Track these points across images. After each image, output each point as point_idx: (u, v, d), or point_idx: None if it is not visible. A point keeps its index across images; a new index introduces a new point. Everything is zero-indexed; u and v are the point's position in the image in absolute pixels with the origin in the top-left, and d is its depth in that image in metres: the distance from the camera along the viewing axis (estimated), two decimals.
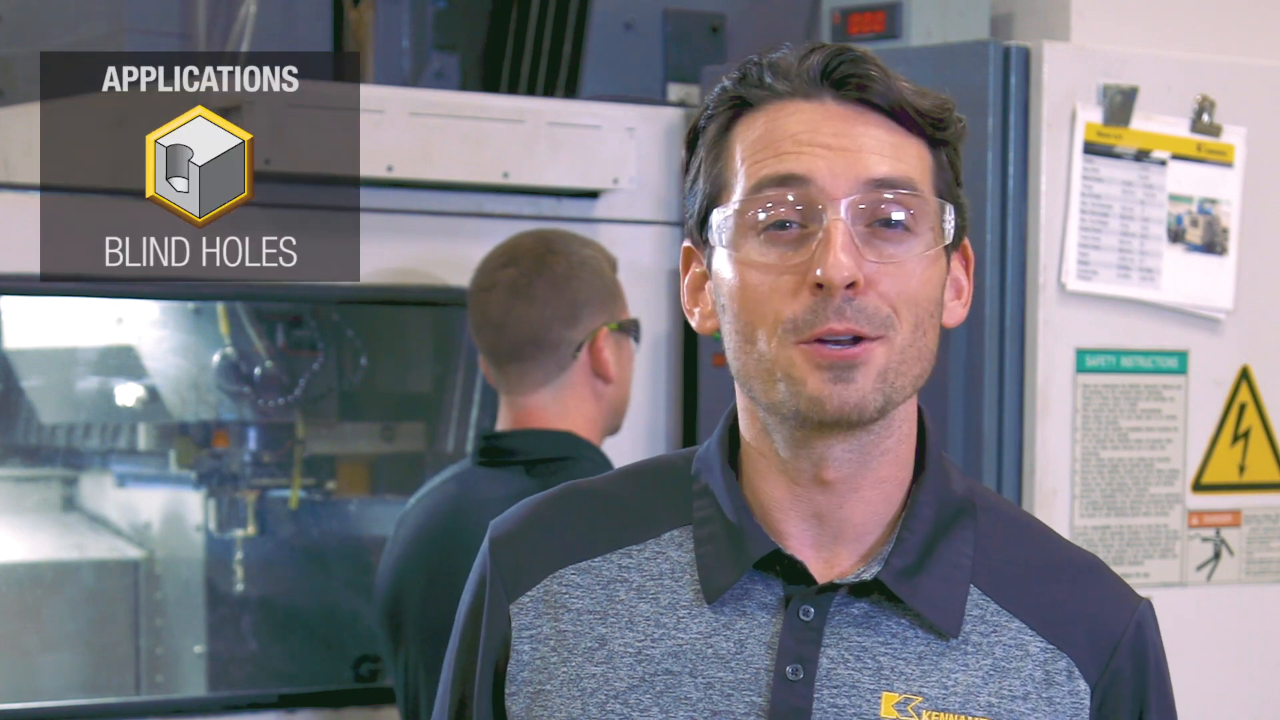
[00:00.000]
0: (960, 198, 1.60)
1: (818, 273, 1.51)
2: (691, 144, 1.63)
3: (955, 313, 1.63)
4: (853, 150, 1.54)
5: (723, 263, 1.58)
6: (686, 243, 1.65)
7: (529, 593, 1.64)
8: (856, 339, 1.53)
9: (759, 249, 1.55)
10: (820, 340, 1.52)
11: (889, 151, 1.55)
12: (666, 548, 1.63)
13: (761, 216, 1.55)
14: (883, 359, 1.53)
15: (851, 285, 1.51)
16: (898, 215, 1.54)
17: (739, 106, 1.59)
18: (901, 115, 1.56)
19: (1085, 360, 3.02)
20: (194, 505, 3.78)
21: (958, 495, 1.64)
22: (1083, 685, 1.59)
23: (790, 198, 1.54)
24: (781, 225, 1.54)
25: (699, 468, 1.66)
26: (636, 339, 2.90)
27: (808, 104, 1.56)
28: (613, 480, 1.71)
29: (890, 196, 1.54)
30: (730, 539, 1.60)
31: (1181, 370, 3.09)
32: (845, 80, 1.55)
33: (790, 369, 1.53)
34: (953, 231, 1.58)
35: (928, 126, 1.57)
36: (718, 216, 1.58)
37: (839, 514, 1.60)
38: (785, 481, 1.59)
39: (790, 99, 1.56)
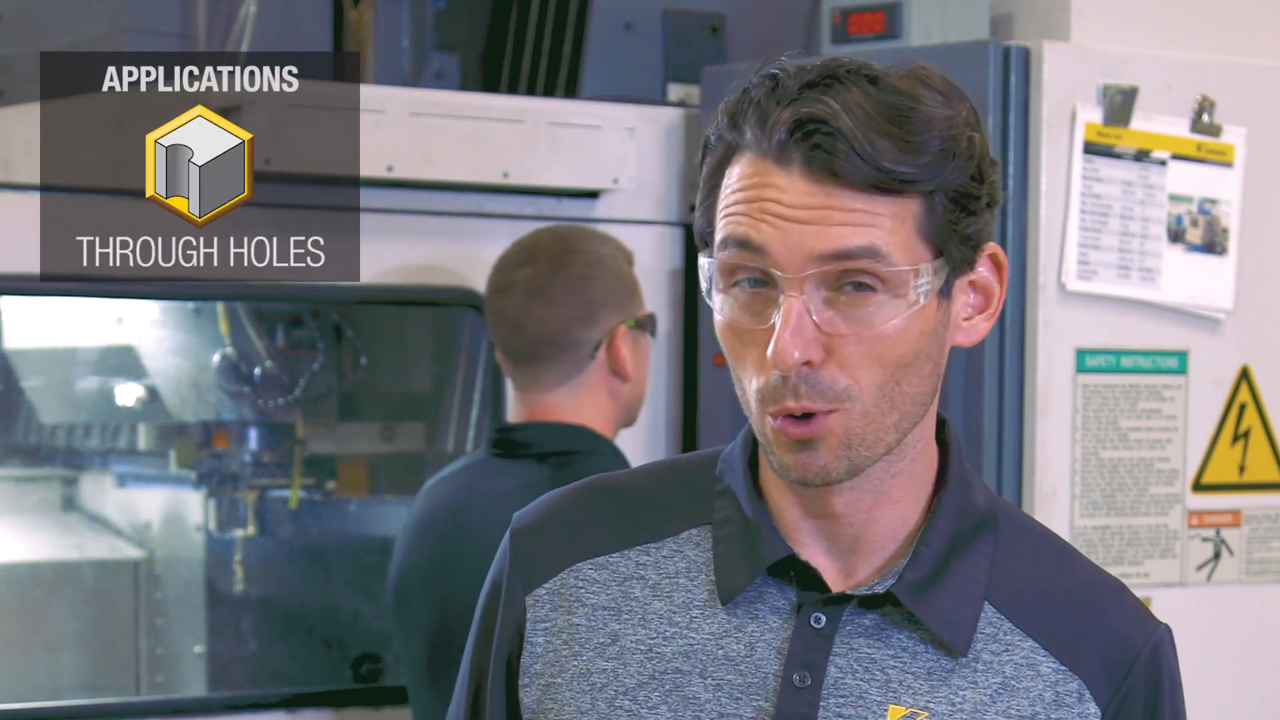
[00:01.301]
0: (967, 227, 1.53)
1: (771, 354, 1.49)
2: (704, 152, 1.60)
3: (976, 329, 1.59)
4: (812, 224, 1.49)
5: (714, 305, 1.56)
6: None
7: (545, 585, 1.64)
8: (819, 414, 1.51)
9: (733, 305, 1.53)
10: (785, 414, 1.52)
11: (855, 220, 1.49)
12: (684, 546, 1.63)
13: (729, 273, 1.53)
14: (841, 429, 1.52)
15: (807, 363, 1.49)
16: (863, 279, 1.50)
17: (729, 144, 1.55)
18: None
19: (1085, 360, 3.02)
20: (194, 505, 3.78)
21: (980, 509, 1.62)
22: (1093, 708, 1.58)
23: (751, 264, 1.51)
24: (757, 281, 1.52)
25: (723, 468, 1.66)
26: (653, 334, 2.90)
27: (776, 167, 1.51)
28: (636, 476, 1.71)
29: (849, 268, 1.49)
30: (747, 541, 1.60)
31: (1181, 370, 3.09)
32: (813, 151, 1.49)
33: (765, 433, 1.54)
34: (925, 293, 1.52)
35: (909, 188, 1.50)
36: (703, 260, 1.56)
37: (851, 531, 1.59)
38: (798, 499, 1.59)
39: (762, 158, 1.52)
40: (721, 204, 1.55)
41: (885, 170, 1.48)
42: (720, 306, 1.55)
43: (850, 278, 1.50)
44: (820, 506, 1.58)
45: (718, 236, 1.54)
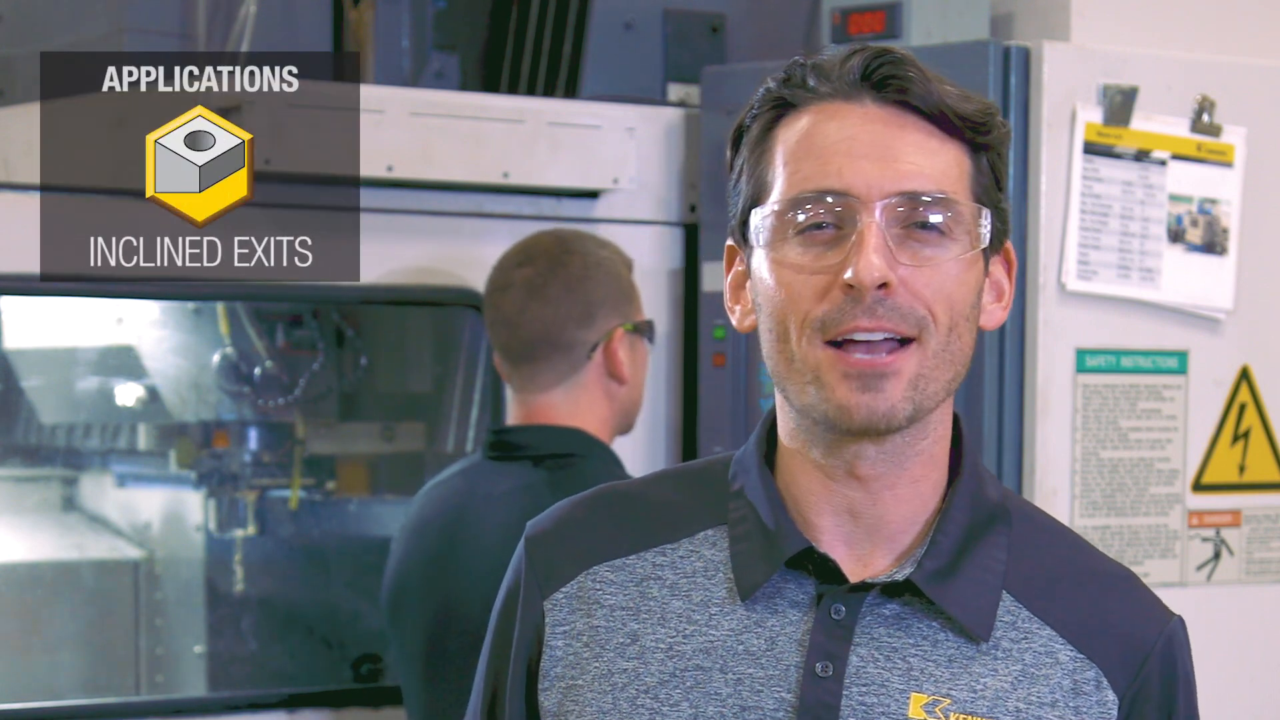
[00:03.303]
0: (1001, 201, 1.61)
1: (848, 274, 1.52)
2: (736, 143, 1.64)
3: (994, 315, 1.64)
4: (889, 160, 1.55)
5: (760, 262, 1.59)
6: (730, 241, 1.66)
7: (563, 589, 1.65)
8: (890, 342, 1.54)
9: (794, 250, 1.56)
10: (850, 342, 1.54)
11: (925, 158, 1.56)
12: (701, 546, 1.65)
13: (800, 218, 1.56)
14: (915, 365, 1.55)
15: (883, 286, 1.53)
16: (933, 218, 1.55)
17: (781, 107, 1.60)
18: (941, 119, 1.56)
19: (1085, 360, 3.02)
20: (194, 505, 3.78)
21: (992, 501, 1.65)
22: (1111, 695, 1.60)
23: (826, 201, 1.55)
24: (818, 226, 1.56)
25: (736, 470, 1.67)
26: (651, 339, 2.91)
27: (847, 105, 1.57)
28: (649, 482, 1.73)
29: (925, 199, 1.55)
30: (764, 537, 1.61)
31: (1181, 370, 3.09)
32: (885, 82, 1.56)
33: (819, 372, 1.55)
34: (989, 235, 1.58)
35: (968, 131, 1.57)
36: (756, 217, 1.59)
37: (873, 511, 1.61)
38: (820, 477, 1.61)
39: (831, 100, 1.58)
40: (782, 155, 1.59)
41: (950, 106, 1.56)
42: (780, 253, 1.57)
43: (919, 216, 1.55)
44: (846, 475, 1.59)
45: (781, 188, 1.58)
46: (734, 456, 1.69)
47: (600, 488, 1.72)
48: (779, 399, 1.63)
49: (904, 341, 1.55)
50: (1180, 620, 1.66)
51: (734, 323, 1.66)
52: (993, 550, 1.62)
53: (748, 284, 1.63)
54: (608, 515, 1.68)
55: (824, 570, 1.60)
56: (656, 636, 1.61)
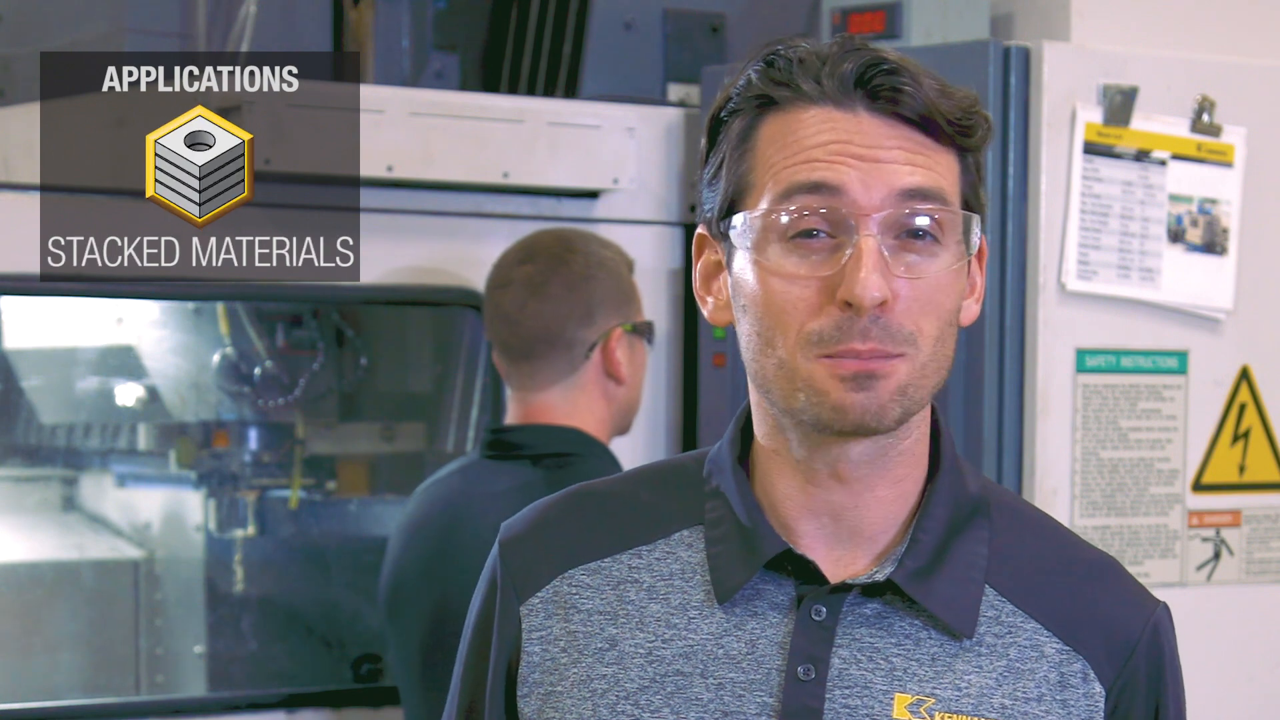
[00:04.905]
0: (982, 199, 1.60)
1: (848, 293, 1.51)
2: (712, 133, 1.61)
3: (970, 311, 1.62)
4: (885, 162, 1.53)
5: (745, 265, 1.56)
6: (701, 229, 1.64)
7: (539, 594, 1.64)
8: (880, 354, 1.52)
9: (785, 256, 1.54)
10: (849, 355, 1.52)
11: (920, 163, 1.54)
12: (677, 548, 1.63)
13: (791, 223, 1.54)
14: (904, 375, 1.53)
15: (880, 304, 1.51)
16: (926, 226, 1.54)
17: (766, 104, 1.57)
18: (933, 126, 1.55)
19: (1085, 360, 3.02)
20: (194, 505, 3.78)
21: (973, 495, 1.63)
22: (1098, 688, 1.59)
23: (820, 208, 1.53)
24: (809, 234, 1.53)
25: (710, 469, 1.65)
26: (650, 341, 2.90)
27: (839, 112, 1.54)
28: (622, 482, 1.71)
29: (921, 208, 1.53)
30: (742, 539, 1.60)
31: (1181, 370, 3.09)
32: (879, 92, 1.54)
33: (811, 382, 1.53)
34: (975, 244, 1.57)
35: (957, 135, 1.56)
36: (742, 219, 1.56)
37: (854, 512, 1.59)
38: (800, 480, 1.59)
39: (821, 104, 1.55)
40: (770, 158, 1.56)
41: (942, 112, 1.54)
42: (768, 258, 1.54)
43: (911, 225, 1.53)
44: (829, 477, 1.58)
45: (771, 189, 1.55)
46: (707, 455, 1.67)
47: (573, 488, 1.70)
48: (756, 400, 1.62)
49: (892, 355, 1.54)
50: (1165, 607, 1.65)
51: (705, 313, 1.63)
52: (974, 545, 1.61)
53: (722, 276, 1.61)
54: (582, 517, 1.67)
55: (803, 571, 1.58)
56: (635, 641, 1.60)
